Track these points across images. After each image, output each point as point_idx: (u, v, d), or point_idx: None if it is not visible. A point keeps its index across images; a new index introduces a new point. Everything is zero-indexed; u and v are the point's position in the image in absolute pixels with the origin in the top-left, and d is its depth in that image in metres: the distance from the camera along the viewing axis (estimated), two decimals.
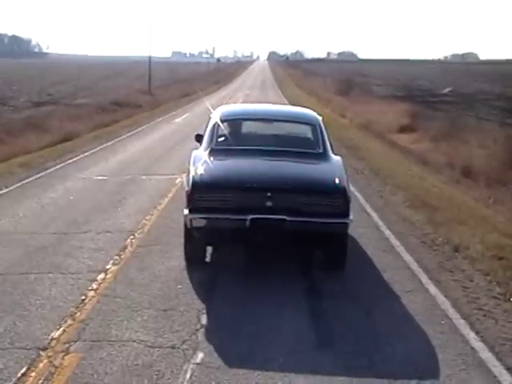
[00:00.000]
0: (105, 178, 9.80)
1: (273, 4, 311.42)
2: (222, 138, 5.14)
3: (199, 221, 4.24)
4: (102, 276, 5.26)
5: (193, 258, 4.86)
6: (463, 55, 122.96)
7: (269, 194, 4.15)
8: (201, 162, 4.55)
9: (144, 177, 9.91)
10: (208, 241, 4.64)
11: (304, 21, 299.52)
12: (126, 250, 5.99)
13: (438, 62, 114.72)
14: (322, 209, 4.28)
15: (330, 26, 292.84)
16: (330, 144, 5.42)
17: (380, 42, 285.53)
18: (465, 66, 64.60)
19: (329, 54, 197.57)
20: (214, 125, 5.21)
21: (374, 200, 8.64)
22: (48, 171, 10.36)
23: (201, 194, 4.25)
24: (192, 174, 4.46)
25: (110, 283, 5.09)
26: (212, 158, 4.72)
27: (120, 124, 18.59)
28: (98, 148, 13.43)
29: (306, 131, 5.58)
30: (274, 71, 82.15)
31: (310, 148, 5.25)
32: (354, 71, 56.47)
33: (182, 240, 5.26)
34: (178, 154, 12.27)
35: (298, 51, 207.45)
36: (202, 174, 4.36)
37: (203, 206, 4.23)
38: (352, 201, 5.25)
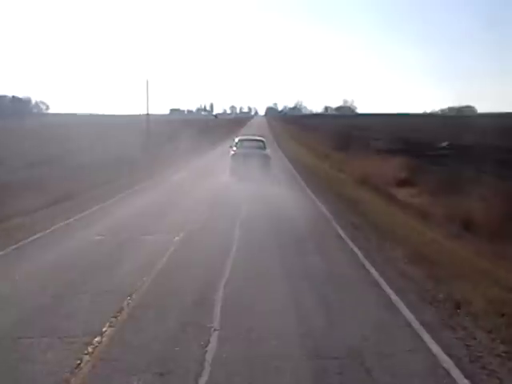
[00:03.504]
0: (102, 237, 9.89)
1: (270, 60, 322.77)
2: (238, 144, 19.54)
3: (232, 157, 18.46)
4: (98, 339, 5.26)
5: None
6: (460, 108, 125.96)
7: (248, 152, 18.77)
8: (233, 149, 19.09)
9: (142, 236, 10.03)
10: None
11: (302, 76, 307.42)
12: (123, 312, 6.02)
13: (436, 115, 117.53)
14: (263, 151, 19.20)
15: (328, 80, 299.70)
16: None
17: (378, 95, 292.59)
18: (462, 119, 66.11)
19: (327, 108, 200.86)
20: (236, 140, 20.49)
21: (373, 256, 8.70)
22: (47, 231, 10.39)
23: (234, 153, 18.74)
24: (233, 150, 19.34)
25: (106, 346, 5.10)
26: (235, 148, 19.39)
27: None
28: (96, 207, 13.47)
29: (262, 143, 20.17)
30: (272, 127, 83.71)
31: (262, 147, 19.65)
32: (352, 125, 57.87)
33: (178, 301, 5.55)
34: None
35: (295, 106, 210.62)
36: (235, 151, 18.95)
37: (233, 154, 18.74)
38: (350, 257, 8.18)
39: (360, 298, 6.64)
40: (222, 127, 65.72)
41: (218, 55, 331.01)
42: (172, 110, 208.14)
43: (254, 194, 15.37)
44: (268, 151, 20.00)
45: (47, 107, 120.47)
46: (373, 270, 7.85)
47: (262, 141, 20.88)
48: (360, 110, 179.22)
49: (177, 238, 9.74)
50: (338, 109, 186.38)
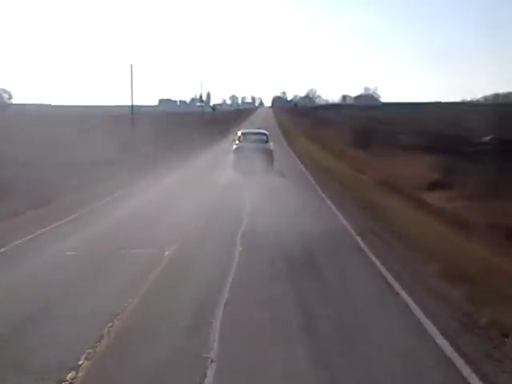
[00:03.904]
0: (76, 253, 9.91)
1: (277, 41, 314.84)
2: (241, 137, 24.48)
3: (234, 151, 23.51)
4: (71, 374, 5.21)
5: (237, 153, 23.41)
6: (505, 95, 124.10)
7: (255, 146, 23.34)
8: (236, 142, 24.00)
9: (123, 251, 10.03)
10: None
11: (315, 60, 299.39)
12: (102, 341, 5.99)
13: (478, 103, 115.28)
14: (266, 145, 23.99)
15: (346, 64, 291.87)
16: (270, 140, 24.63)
17: (406, 81, 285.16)
18: (508, 108, 65.42)
19: (345, 97, 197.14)
20: (239, 134, 25.39)
21: (398, 271, 8.70)
22: (15, 244, 10.36)
23: (236, 146, 23.60)
24: (236, 144, 24.10)
25: (81, 382, 5.05)
26: (238, 142, 24.19)
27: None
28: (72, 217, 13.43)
29: (266, 136, 25.00)
30: (280, 121, 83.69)
31: (265, 141, 24.28)
32: (375, 118, 57.78)
33: (167, 329, 5.83)
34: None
35: (308, 96, 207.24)
36: (238, 144, 23.83)
37: (236, 148, 23.38)
38: (371, 273, 8.34)
39: (384, 322, 6.60)
40: (219, 123, 65.53)
41: (216, 36, 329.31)
42: (161, 101, 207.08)
43: (258, 201, 15.49)
44: (271, 145, 24.79)
45: (10, 96, 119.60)
46: (399, 288, 7.88)
47: (265, 134, 25.93)
48: (385, 99, 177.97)
49: (167, 253, 9.75)
50: (358, 98, 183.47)
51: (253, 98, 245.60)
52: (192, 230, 12.00)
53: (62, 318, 6.69)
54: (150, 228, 12.15)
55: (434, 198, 16.42)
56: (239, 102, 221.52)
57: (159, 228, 12.16)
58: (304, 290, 7.82)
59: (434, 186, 18.03)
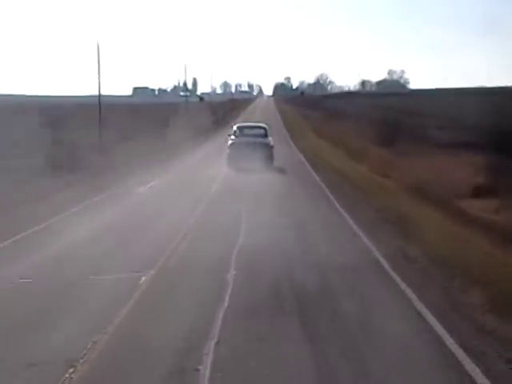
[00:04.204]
0: (30, 280, 9.97)
1: (279, 16, 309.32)
2: (237, 131, 28.24)
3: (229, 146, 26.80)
4: None
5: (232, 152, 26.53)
6: None
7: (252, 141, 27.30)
8: (232, 137, 27.56)
9: (91, 277, 10.10)
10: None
11: (326, 38, 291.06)
12: None
13: None
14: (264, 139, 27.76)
15: (365, 44, 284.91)
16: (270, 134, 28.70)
17: (440, 62, 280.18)
18: None
19: (363, 83, 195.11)
20: (235, 128, 29.19)
21: (435, 301, 8.77)
22: None
23: (232, 141, 27.13)
24: (231, 139, 27.61)
25: None
26: (233, 137, 27.62)
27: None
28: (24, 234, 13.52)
29: (264, 130, 28.88)
30: (284, 114, 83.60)
31: (263, 135, 27.93)
32: (402, 108, 57.50)
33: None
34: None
35: (318, 82, 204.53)
36: (233, 139, 27.41)
37: (232, 140, 27.15)
38: (401, 303, 8.76)
39: (419, 366, 6.63)
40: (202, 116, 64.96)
41: (203, 11, 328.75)
42: (136, 90, 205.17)
43: (256, 213, 15.72)
44: (270, 140, 27.97)
45: None
46: (435, 322, 7.90)
47: (263, 128, 29.55)
48: (414, 85, 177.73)
49: (144, 279, 9.86)
50: (381, 83, 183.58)
51: (250, 86, 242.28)
52: (176, 248, 12.17)
53: (9, 363, 6.68)
54: (123, 248, 12.24)
55: (479, 207, 16.50)
56: (233, 90, 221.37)
57: (135, 247, 12.25)
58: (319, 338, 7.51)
59: (478, 192, 18.17)
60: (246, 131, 29.09)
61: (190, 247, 12.45)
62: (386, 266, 10.92)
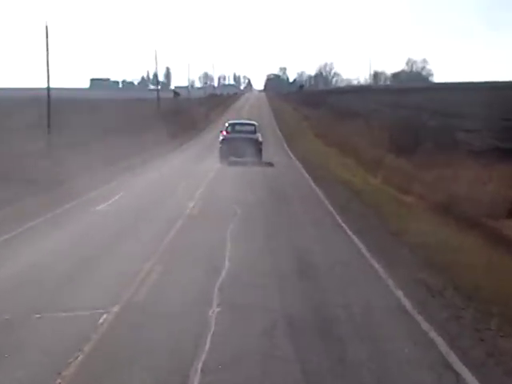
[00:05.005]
0: None
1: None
2: (229, 128, 36.63)
3: (222, 141, 35.20)
4: None
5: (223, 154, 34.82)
6: None
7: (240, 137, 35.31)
8: (224, 133, 35.97)
9: (38, 316, 9.63)
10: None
11: (330, 21, 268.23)
12: None
13: None
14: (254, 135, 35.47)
15: (377, 26, 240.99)
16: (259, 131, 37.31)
17: (470, 51, 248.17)
18: None
19: (377, 76, 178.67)
20: (226, 124, 37.70)
21: (466, 346, 8.51)
22: None
23: (223, 136, 35.37)
24: (223, 135, 35.46)
25: None
26: (225, 133, 35.39)
27: None
28: None
29: (254, 126, 36.87)
30: (279, 113, 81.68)
31: (253, 131, 35.64)
32: (425, 106, 54.74)
33: None
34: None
35: (320, 74, 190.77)
36: (224, 135, 35.40)
37: (223, 139, 35.05)
38: (424, 348, 8.26)
39: None
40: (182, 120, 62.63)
41: None
42: (94, 82, 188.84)
43: (245, 244, 14.71)
44: (259, 135, 35.42)
45: None
46: (466, 375, 7.50)
47: (253, 124, 37.78)
48: (438, 78, 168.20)
49: (105, 317, 9.43)
50: (398, 76, 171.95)
51: (237, 78, 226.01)
52: (147, 277, 11.73)
53: None
54: (80, 278, 11.81)
55: None
56: (215, 83, 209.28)
57: (96, 278, 11.84)
58: None
59: None
60: (237, 127, 37.04)
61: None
62: (406, 302, 10.33)
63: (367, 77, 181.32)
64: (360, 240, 15.08)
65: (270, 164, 33.60)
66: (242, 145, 32.75)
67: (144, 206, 20.51)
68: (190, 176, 28.01)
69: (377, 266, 12.93)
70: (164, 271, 12.24)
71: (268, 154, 36.42)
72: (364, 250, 14.24)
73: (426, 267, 12.54)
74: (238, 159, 32.21)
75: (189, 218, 17.84)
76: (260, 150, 33.45)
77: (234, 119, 47.02)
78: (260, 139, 34.46)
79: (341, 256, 13.82)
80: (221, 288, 10.95)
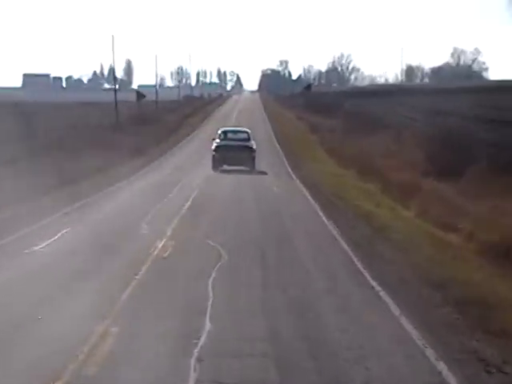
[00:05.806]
0: None
1: None
2: (221, 135, 42.94)
3: (215, 149, 41.31)
4: None
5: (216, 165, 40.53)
6: None
7: (234, 144, 41.79)
8: (217, 141, 42.66)
9: None
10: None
11: (347, 8, 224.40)
12: None
13: None
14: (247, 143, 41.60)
15: (409, 10, 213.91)
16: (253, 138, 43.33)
17: None
18: None
19: (410, 72, 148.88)
20: (219, 132, 43.56)
21: None
22: None
23: (217, 144, 41.84)
24: (216, 142, 41.76)
25: None
26: (218, 140, 41.51)
27: None
28: None
29: (247, 134, 42.70)
30: (277, 123, 75.16)
31: (246, 139, 41.22)
32: (476, 113, 46.05)
33: None
34: None
35: (333, 69, 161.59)
36: (218, 143, 41.75)
37: (216, 146, 41.20)
38: None
39: None
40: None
41: None
42: (28, 78, 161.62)
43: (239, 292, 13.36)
44: (253, 143, 38.37)
45: None
46: None
47: (246, 132, 41.30)
48: (495, 74, 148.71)
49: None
50: (439, 72, 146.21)
51: (222, 76, 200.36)
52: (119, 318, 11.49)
53: None
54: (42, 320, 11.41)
55: None
56: (192, 82, 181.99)
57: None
58: None
59: None
60: (230, 135, 40.54)
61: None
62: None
63: (398, 73, 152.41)
64: (394, 302, 12.80)
65: (269, 189, 30.57)
66: (236, 153, 36.70)
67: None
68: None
69: (400, 317, 11.59)
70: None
71: (265, 181, 34.08)
72: (392, 305, 12.39)
73: (475, 332, 10.94)
74: (231, 167, 36.37)
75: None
76: (253, 158, 37.00)
77: (224, 127, 47.40)
78: (254, 147, 37.97)
79: (354, 308, 12.39)
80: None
